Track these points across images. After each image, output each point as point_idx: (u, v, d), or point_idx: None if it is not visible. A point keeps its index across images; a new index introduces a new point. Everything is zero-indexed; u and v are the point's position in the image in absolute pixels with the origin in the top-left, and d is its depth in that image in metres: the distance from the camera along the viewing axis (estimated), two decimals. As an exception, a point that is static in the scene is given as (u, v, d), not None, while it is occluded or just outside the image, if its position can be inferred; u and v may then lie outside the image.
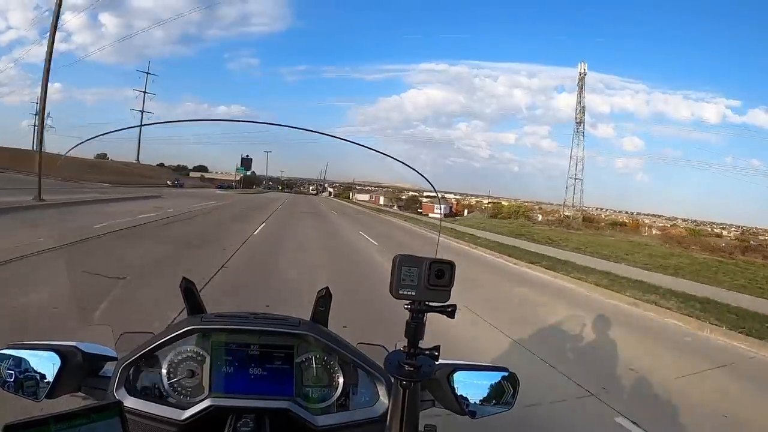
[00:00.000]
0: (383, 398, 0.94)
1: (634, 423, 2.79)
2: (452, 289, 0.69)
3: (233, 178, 71.03)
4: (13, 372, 0.82)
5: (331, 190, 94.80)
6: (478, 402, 0.89)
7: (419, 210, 52.63)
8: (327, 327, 1.00)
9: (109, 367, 0.92)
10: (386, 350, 0.98)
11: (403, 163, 1.00)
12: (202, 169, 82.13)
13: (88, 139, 1.08)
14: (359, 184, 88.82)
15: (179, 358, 0.91)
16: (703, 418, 3.07)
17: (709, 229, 46.80)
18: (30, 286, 4.26)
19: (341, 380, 0.95)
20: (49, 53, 13.89)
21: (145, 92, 60.14)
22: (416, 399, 0.68)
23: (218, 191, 46.42)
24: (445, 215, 47.67)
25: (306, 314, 1.03)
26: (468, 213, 52.69)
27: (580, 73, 45.48)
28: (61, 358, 0.83)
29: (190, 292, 0.96)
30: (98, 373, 0.92)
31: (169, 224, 11.43)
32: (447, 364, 0.88)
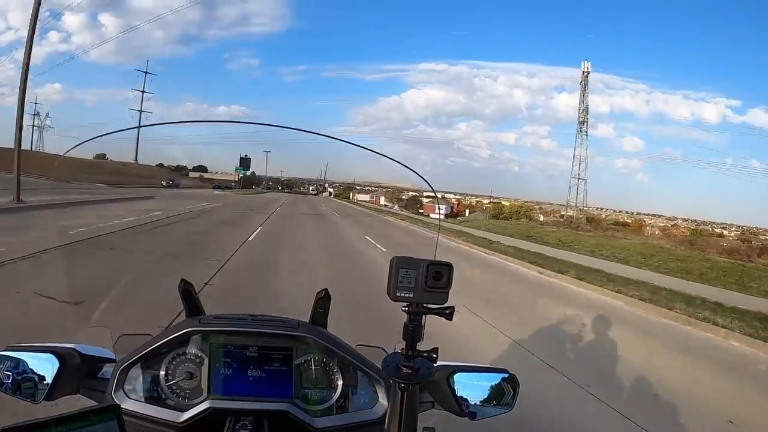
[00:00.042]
0: (382, 400, 0.93)
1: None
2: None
3: (233, 178, 70.79)
4: (11, 374, 0.82)
5: (332, 190, 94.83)
6: (477, 403, 0.89)
7: (420, 210, 52.68)
8: (326, 329, 1.00)
9: (107, 369, 0.92)
10: (385, 352, 0.98)
11: (401, 164, 0.99)
12: (201, 169, 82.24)
13: (85, 141, 1.06)
14: (359, 185, 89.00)
15: (177, 360, 0.90)
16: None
17: (710, 229, 46.66)
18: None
19: (340, 382, 0.94)
20: (26, 64, 13.28)
21: (143, 92, 60.43)
22: (414, 401, 0.68)
23: (215, 192, 45.62)
24: (447, 215, 47.73)
25: (305, 316, 1.03)
26: (469, 213, 52.71)
27: (584, 72, 43.34)
28: (59, 360, 0.83)
29: (188, 294, 0.95)
30: (96, 375, 0.91)
31: (153, 230, 10.29)
32: (447, 365, 0.88)
